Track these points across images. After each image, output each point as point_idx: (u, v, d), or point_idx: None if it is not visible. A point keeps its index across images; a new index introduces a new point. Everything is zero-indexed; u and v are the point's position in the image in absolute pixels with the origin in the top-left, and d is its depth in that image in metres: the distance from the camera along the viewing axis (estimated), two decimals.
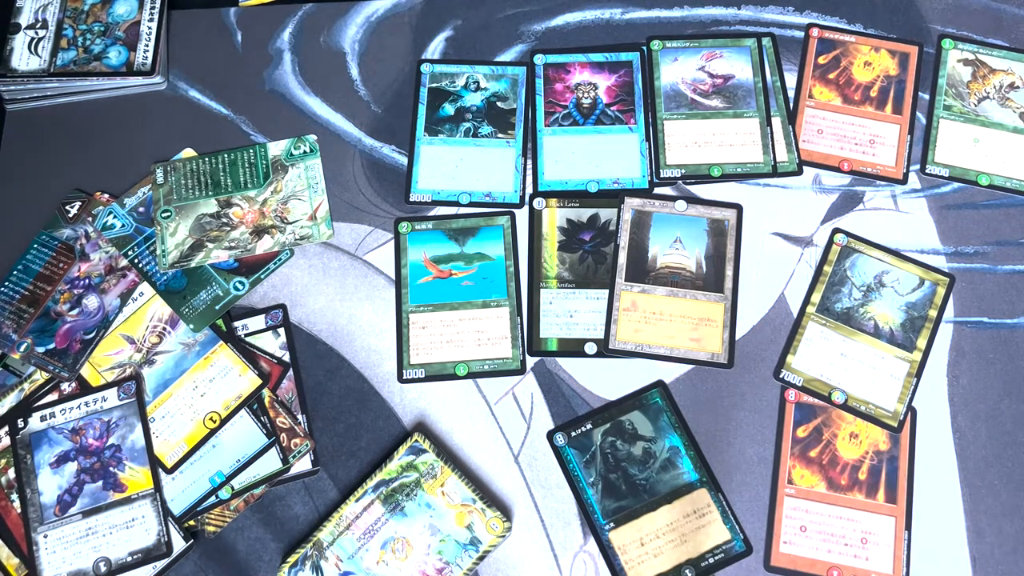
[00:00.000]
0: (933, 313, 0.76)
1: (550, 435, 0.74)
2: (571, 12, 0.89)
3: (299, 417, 0.75)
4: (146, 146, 0.84)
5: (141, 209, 0.81)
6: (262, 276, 0.79)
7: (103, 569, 0.70)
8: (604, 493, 0.72)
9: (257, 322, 0.78)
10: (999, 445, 0.73)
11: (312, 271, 0.80)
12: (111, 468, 0.72)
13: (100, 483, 0.72)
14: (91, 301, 0.77)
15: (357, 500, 0.71)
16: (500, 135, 0.84)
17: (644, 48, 0.87)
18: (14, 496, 0.72)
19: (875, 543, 0.70)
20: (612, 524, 0.71)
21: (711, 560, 0.70)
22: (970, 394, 0.74)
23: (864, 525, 0.71)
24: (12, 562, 0.70)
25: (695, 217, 0.80)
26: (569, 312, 0.77)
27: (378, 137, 0.85)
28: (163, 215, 0.80)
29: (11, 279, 0.78)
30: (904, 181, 0.81)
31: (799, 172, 0.81)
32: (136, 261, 0.79)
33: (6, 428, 0.73)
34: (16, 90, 0.86)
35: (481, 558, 0.69)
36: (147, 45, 0.87)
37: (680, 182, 0.82)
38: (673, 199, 0.80)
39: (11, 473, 0.72)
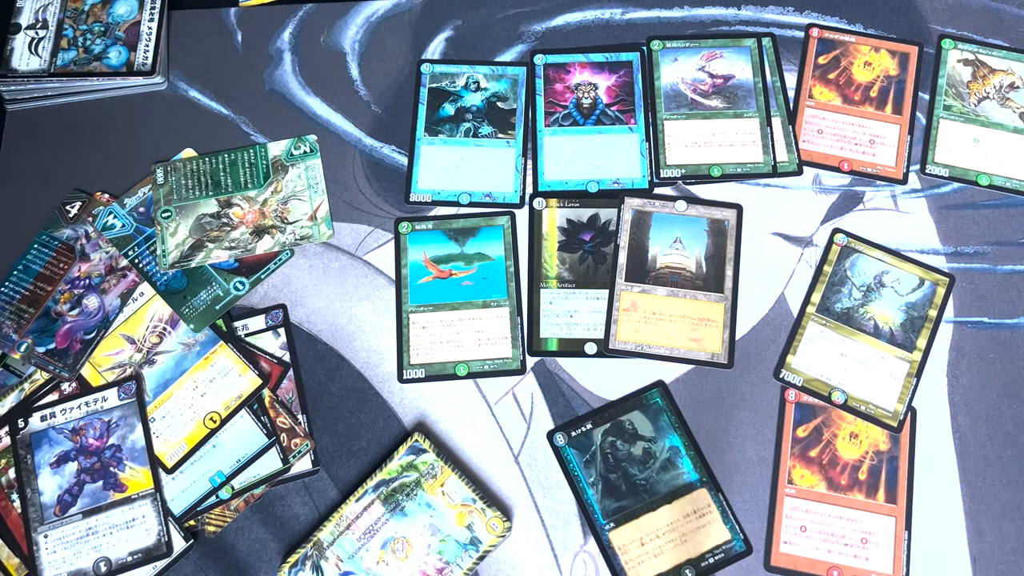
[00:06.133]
0: (933, 313, 0.76)
1: (550, 435, 0.74)
2: (571, 12, 0.89)
3: (299, 417, 0.75)
4: (146, 146, 0.84)
5: (141, 209, 0.81)
6: (262, 276, 0.79)
7: (103, 569, 0.70)
8: (604, 493, 0.72)
9: (257, 322, 0.78)
10: (999, 445, 0.73)
11: (312, 271, 0.80)
12: (111, 468, 0.72)
13: (100, 483, 0.72)
14: (91, 301, 0.77)
15: (357, 500, 0.71)
16: (500, 135, 0.84)
17: (644, 48, 0.87)
18: (14, 496, 0.72)
19: (875, 543, 0.70)
20: (612, 524, 0.71)
21: (711, 560, 0.70)
22: (970, 394, 0.74)
23: (864, 525, 0.71)
24: (12, 562, 0.70)
25: (695, 217, 0.80)
26: (569, 312, 0.77)
27: (378, 137, 0.85)
28: (163, 215, 0.80)
29: (11, 279, 0.78)
30: (904, 181, 0.81)
31: (799, 172, 0.81)
32: (136, 261, 0.79)
33: (6, 428, 0.73)
34: (16, 90, 0.86)
35: (481, 558, 0.69)
36: (147, 45, 0.87)
37: (680, 182, 0.82)
38: (673, 199, 0.80)
39: (11, 473, 0.72)
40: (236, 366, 0.75)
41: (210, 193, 0.81)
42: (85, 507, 0.71)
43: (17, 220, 0.82)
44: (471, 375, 0.76)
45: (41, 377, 0.75)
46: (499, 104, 0.85)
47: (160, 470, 0.72)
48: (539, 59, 0.86)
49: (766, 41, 0.86)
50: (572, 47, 0.87)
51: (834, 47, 0.86)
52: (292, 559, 0.69)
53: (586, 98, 0.85)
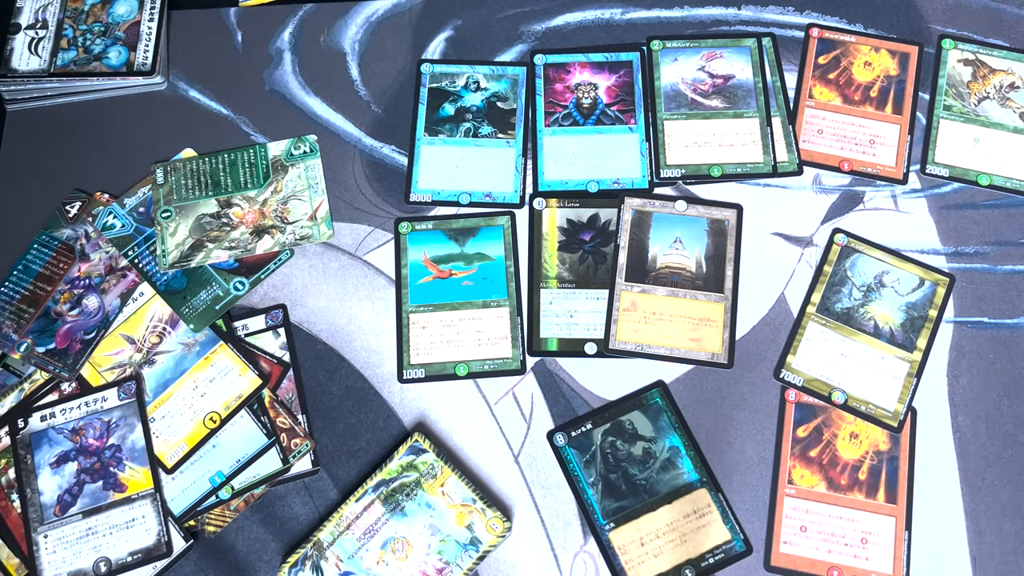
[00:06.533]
0: (933, 313, 0.76)
1: (550, 435, 0.74)
2: (571, 12, 0.89)
3: (299, 417, 0.75)
4: (146, 146, 0.84)
5: (141, 209, 0.81)
6: (262, 276, 0.79)
7: (103, 569, 0.70)
8: (604, 493, 0.72)
9: (257, 322, 0.78)
10: (999, 445, 0.73)
11: (312, 271, 0.80)
12: (111, 468, 0.72)
13: (100, 483, 0.72)
14: (91, 301, 0.77)
15: (357, 500, 0.71)
16: (500, 135, 0.84)
17: (644, 48, 0.87)
18: (14, 496, 0.72)
19: (875, 543, 0.70)
20: (612, 524, 0.71)
21: (711, 560, 0.70)
22: (970, 394, 0.74)
23: (864, 525, 0.71)
24: (12, 562, 0.70)
25: (695, 217, 0.80)
26: (569, 312, 0.77)
27: (378, 137, 0.85)
28: (163, 215, 0.80)
29: (11, 279, 0.78)
30: (904, 181, 0.81)
31: (799, 172, 0.81)
32: (136, 261, 0.79)
33: (6, 428, 0.73)
34: (16, 90, 0.86)
35: (481, 558, 0.69)
36: (147, 45, 0.87)
37: (680, 182, 0.82)
38: (673, 199, 0.80)
39: (11, 473, 0.72)
40: (236, 366, 0.75)
41: (210, 193, 0.81)
42: (85, 507, 0.71)
43: (17, 220, 0.82)
44: (471, 375, 0.76)
45: (41, 377, 0.75)
46: (499, 104, 0.85)
47: (160, 470, 0.72)
48: (539, 59, 0.86)
49: (766, 41, 0.86)
50: (572, 47, 0.87)
51: (834, 47, 0.86)
52: (292, 559, 0.69)
53: (586, 98, 0.85)
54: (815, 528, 0.71)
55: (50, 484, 0.72)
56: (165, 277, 0.78)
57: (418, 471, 0.71)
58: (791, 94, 0.84)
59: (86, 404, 0.74)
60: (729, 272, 0.78)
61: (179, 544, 0.71)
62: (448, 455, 0.73)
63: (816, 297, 0.77)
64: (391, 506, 0.70)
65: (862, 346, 0.75)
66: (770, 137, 0.82)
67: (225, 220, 0.80)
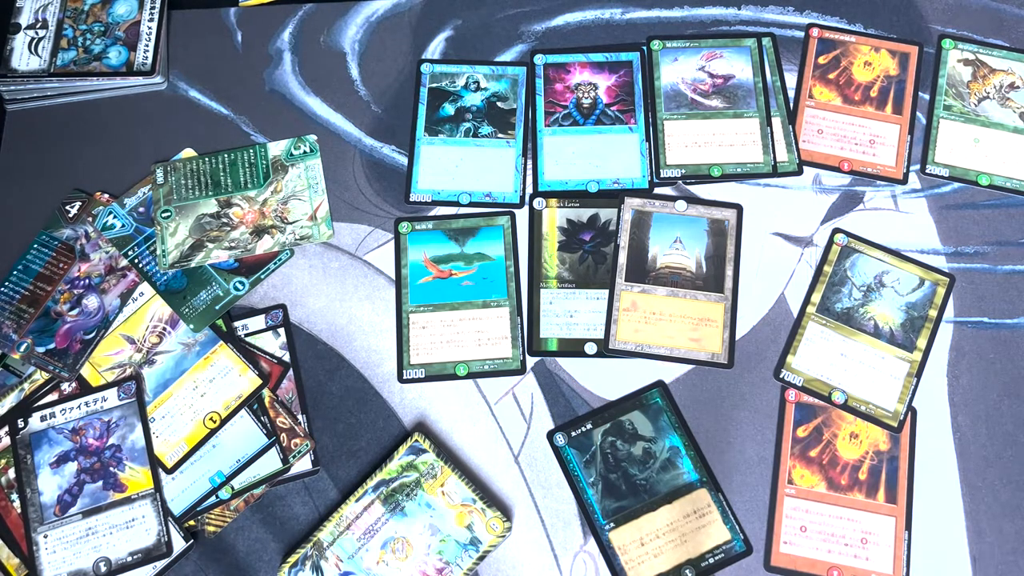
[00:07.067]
0: (933, 313, 0.76)
1: (550, 435, 0.74)
2: (571, 12, 0.89)
3: (299, 417, 0.75)
4: (146, 146, 0.84)
5: (141, 209, 0.81)
6: (262, 276, 0.79)
7: (103, 569, 0.70)
8: (604, 493, 0.72)
9: (257, 322, 0.78)
10: (999, 445, 0.73)
11: (312, 271, 0.80)
12: (111, 468, 0.72)
13: (100, 483, 0.72)
14: (91, 301, 0.77)
15: (357, 500, 0.71)
16: (500, 135, 0.84)
17: (644, 48, 0.87)
18: (14, 496, 0.72)
19: (875, 543, 0.70)
20: (612, 524, 0.71)
21: (711, 560, 0.70)
22: (970, 394, 0.74)
23: (864, 525, 0.71)
24: (12, 562, 0.70)
25: (695, 217, 0.80)
26: (569, 312, 0.77)
27: (378, 137, 0.85)
28: (163, 215, 0.80)
29: (11, 279, 0.78)
30: (904, 181, 0.81)
31: (799, 172, 0.81)
32: (136, 261, 0.79)
33: (6, 428, 0.73)
34: (16, 90, 0.86)
35: (481, 558, 0.69)
36: (147, 45, 0.87)
37: (680, 182, 0.82)
38: (673, 199, 0.80)
39: (11, 473, 0.72)
40: (236, 366, 0.75)
41: (210, 193, 0.81)
42: (85, 507, 0.71)
43: (17, 220, 0.82)
44: (471, 375, 0.76)
45: (41, 377, 0.75)
46: (499, 104, 0.85)
47: (160, 470, 0.72)
48: (539, 59, 0.86)
49: (766, 41, 0.86)
50: (572, 47, 0.87)
51: (834, 47, 0.86)
52: (292, 559, 0.69)
53: (586, 98, 0.85)
54: (815, 528, 0.71)
55: (50, 484, 0.72)
56: (165, 277, 0.78)
57: (418, 471, 0.71)
58: (791, 94, 0.84)
59: (86, 404, 0.74)
60: (729, 272, 0.78)
61: (179, 544, 0.71)
62: (448, 455, 0.73)
63: (816, 297, 0.77)
64: (391, 506, 0.70)
65: (862, 346, 0.75)
66: (770, 137, 0.82)
67: (225, 220, 0.80)
